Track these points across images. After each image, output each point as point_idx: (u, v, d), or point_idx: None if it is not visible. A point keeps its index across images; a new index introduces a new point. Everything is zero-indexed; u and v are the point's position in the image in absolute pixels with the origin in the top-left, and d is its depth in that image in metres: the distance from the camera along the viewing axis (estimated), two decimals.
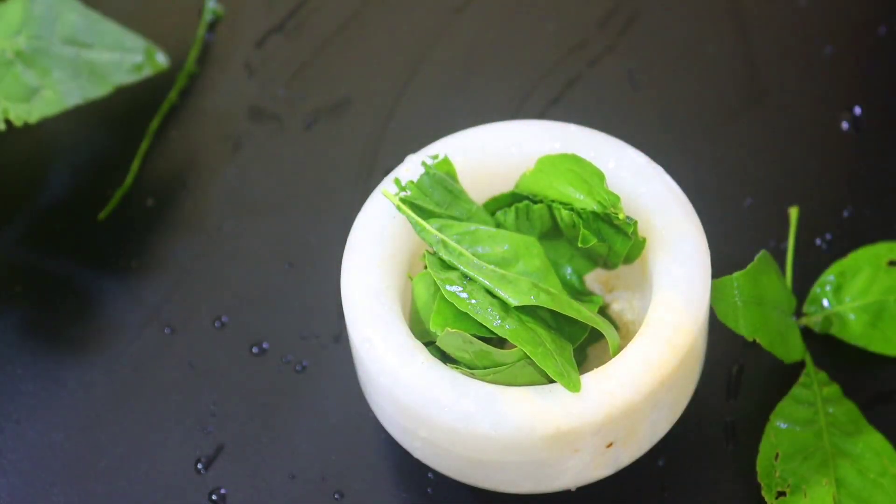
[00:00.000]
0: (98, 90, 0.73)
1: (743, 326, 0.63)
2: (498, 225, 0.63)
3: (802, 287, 0.69)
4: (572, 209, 0.61)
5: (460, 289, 0.60)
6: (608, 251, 0.61)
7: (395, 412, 0.60)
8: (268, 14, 0.80)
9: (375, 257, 0.62)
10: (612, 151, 0.64)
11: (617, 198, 0.60)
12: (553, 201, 0.62)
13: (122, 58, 0.74)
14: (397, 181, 0.62)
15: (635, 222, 0.60)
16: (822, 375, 0.67)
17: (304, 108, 0.77)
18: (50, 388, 0.69)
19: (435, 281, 0.60)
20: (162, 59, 0.75)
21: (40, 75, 0.72)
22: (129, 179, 0.75)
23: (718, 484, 0.66)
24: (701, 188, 0.71)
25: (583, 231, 0.61)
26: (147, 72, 0.74)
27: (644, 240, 0.61)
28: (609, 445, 0.59)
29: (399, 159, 0.65)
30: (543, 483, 0.60)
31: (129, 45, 0.74)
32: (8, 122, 0.71)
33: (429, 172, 0.62)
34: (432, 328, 0.59)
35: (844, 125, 0.75)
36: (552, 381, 0.59)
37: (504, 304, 0.59)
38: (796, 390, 0.66)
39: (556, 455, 0.58)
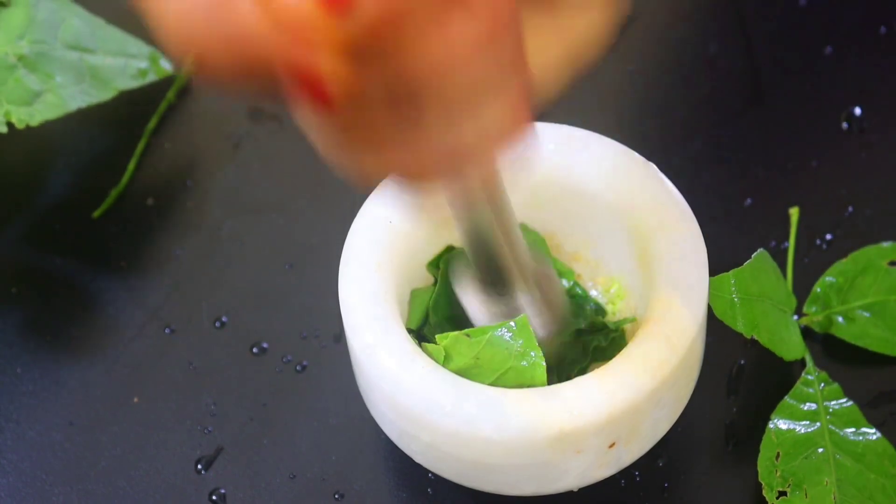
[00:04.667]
0: (101, 94, 0.73)
1: (741, 323, 0.63)
2: None
3: (802, 287, 0.69)
4: None
5: None
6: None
7: (397, 418, 0.60)
8: None
9: (373, 263, 0.62)
10: (608, 152, 0.64)
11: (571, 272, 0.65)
12: None
13: (126, 63, 0.74)
14: None
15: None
16: (823, 375, 0.67)
17: None
18: (50, 388, 0.69)
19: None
20: (167, 65, 0.75)
21: (43, 80, 0.72)
22: (125, 179, 0.74)
23: (718, 484, 0.66)
24: (701, 188, 0.71)
25: None
26: (151, 77, 0.75)
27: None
28: (612, 445, 0.59)
29: None
30: (546, 485, 0.60)
31: (133, 50, 0.74)
32: (10, 124, 0.71)
33: None
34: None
35: (844, 125, 0.75)
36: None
37: None
38: (797, 390, 0.66)
39: (560, 456, 0.58)
